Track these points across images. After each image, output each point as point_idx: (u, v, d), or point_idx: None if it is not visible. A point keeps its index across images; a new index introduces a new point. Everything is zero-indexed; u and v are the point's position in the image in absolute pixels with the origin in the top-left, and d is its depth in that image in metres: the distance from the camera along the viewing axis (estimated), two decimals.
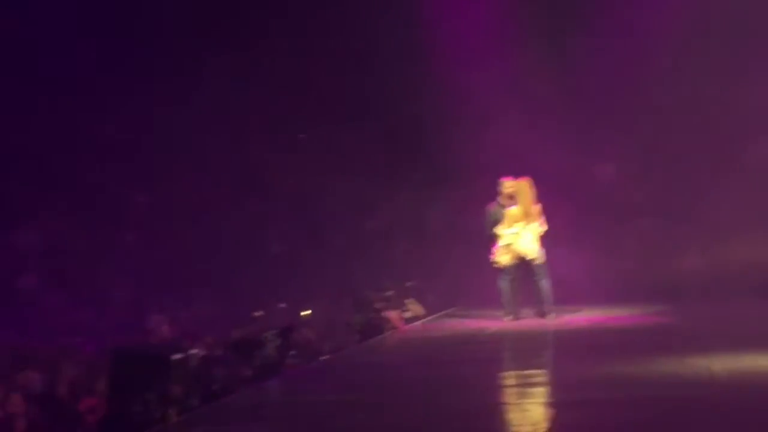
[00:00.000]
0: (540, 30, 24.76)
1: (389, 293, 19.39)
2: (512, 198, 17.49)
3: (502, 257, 17.63)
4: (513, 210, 17.47)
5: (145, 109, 24.49)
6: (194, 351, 12.92)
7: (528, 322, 17.56)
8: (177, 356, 12.04)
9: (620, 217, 23.11)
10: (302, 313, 18.95)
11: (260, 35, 25.64)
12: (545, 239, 17.70)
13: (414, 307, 19.64)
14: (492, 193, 18.43)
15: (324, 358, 15.79)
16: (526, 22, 24.47)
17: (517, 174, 17.81)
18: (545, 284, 17.55)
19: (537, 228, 17.44)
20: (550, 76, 24.68)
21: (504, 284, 17.81)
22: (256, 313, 18.86)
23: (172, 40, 24.80)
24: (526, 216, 17.40)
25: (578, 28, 24.68)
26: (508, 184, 17.61)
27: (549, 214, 17.79)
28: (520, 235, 17.45)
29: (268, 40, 25.77)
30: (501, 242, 17.60)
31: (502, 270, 17.73)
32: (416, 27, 25.31)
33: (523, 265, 17.66)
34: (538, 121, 23.95)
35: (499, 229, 17.55)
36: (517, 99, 24.92)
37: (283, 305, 21.00)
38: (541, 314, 17.66)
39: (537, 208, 17.49)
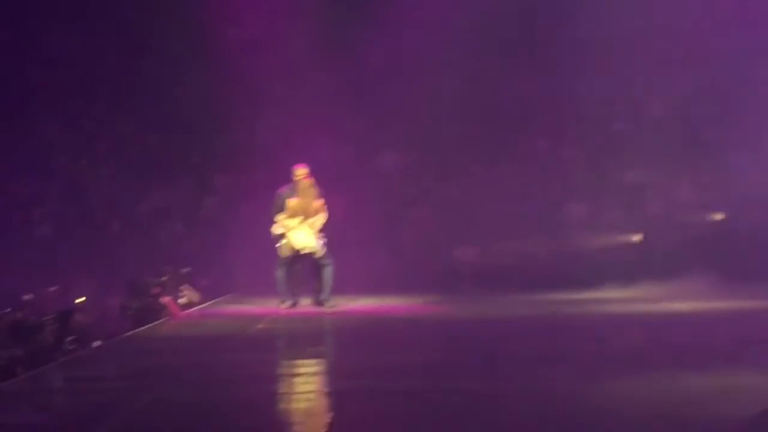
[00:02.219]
0: (320, 18, 24.82)
1: (164, 278, 19.07)
2: (296, 195, 17.47)
3: (280, 246, 17.60)
4: (293, 202, 17.45)
5: None
6: None
7: (305, 310, 17.56)
8: None
9: (398, 207, 23.32)
10: (77, 299, 18.43)
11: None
12: (326, 229, 17.70)
13: (189, 294, 19.40)
14: (271, 180, 18.39)
15: (99, 343, 15.40)
16: (306, 9, 24.48)
17: (298, 161, 17.78)
18: (327, 272, 17.56)
19: (316, 222, 17.45)
20: (328, 64, 24.77)
21: (279, 272, 17.79)
22: (26, 297, 18.24)
23: None
24: (306, 211, 17.41)
25: (357, 17, 24.83)
26: (300, 172, 17.56)
27: (327, 203, 17.80)
28: (296, 228, 17.44)
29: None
30: (278, 231, 17.55)
31: (278, 258, 17.69)
32: (196, 10, 25.05)
33: (301, 256, 17.65)
34: (317, 110, 23.94)
35: (279, 218, 17.49)
36: (295, 87, 24.94)
37: (53, 288, 20.43)
38: (319, 303, 17.69)
39: (319, 203, 17.50)
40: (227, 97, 24.60)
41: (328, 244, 17.64)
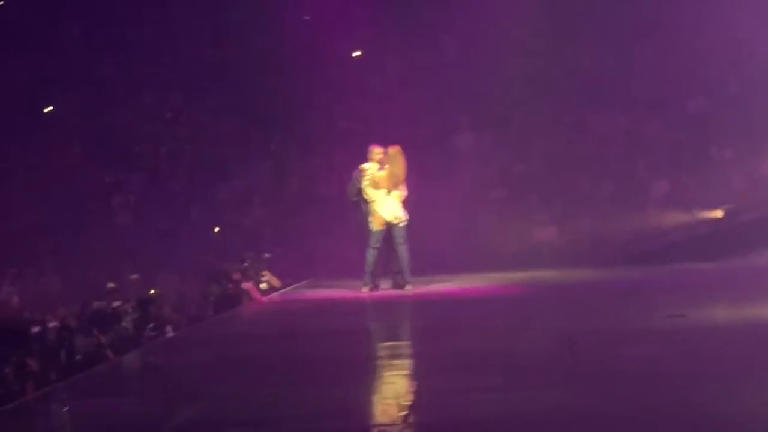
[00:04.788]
0: (395, 3, 24.87)
1: (245, 264, 19.17)
2: (381, 164, 17.39)
3: (372, 223, 17.45)
4: (379, 174, 17.34)
5: None
6: (52, 324, 12.59)
7: (386, 293, 17.51)
8: (35, 329, 11.71)
9: (475, 188, 23.23)
10: (156, 287, 18.61)
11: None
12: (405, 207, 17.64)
13: (270, 279, 19.47)
14: (350, 162, 18.39)
15: (181, 330, 15.54)
16: None
17: (380, 143, 17.75)
18: (403, 251, 17.44)
19: (400, 194, 17.35)
20: (404, 47, 24.80)
21: (370, 253, 17.57)
22: (110, 284, 18.44)
23: None
24: (393, 182, 17.30)
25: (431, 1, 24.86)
26: (376, 151, 17.51)
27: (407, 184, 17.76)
28: (383, 200, 17.33)
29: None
30: (369, 208, 17.44)
31: (370, 237, 17.53)
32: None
33: (387, 232, 17.49)
34: (393, 93, 23.95)
35: (367, 195, 17.38)
36: (372, 71, 24.98)
37: (135, 276, 20.66)
38: (399, 285, 17.60)
39: (404, 174, 17.39)
40: (304, 83, 24.69)
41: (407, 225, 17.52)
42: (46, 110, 25.42)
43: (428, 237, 19.92)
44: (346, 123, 24.31)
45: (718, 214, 22.04)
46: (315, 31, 24.42)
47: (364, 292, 17.56)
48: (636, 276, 18.67)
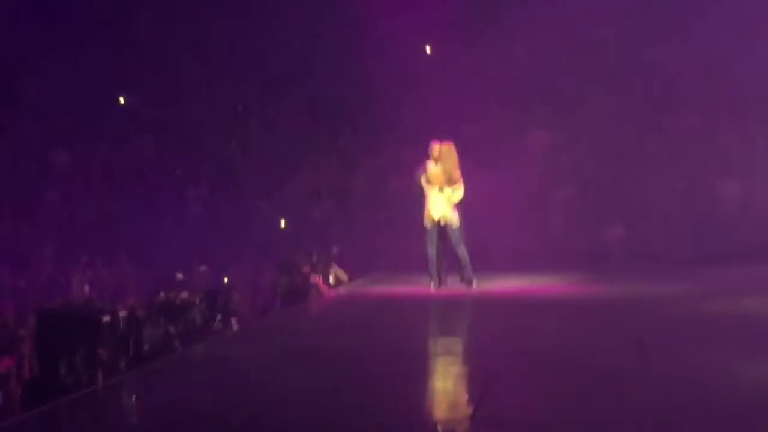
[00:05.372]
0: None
1: (314, 258, 19.25)
2: (436, 161, 17.40)
3: (425, 219, 17.49)
4: (433, 171, 17.36)
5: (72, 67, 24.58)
6: (123, 313, 12.72)
7: (452, 290, 17.48)
8: (106, 318, 11.83)
9: (545, 186, 23.17)
10: (227, 278, 18.75)
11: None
12: (466, 205, 17.58)
13: (338, 273, 19.55)
14: (418, 157, 18.40)
15: (250, 322, 15.64)
16: None
17: (443, 139, 17.73)
18: (462, 250, 17.41)
19: (454, 193, 17.30)
20: (474, 44, 24.75)
21: (429, 250, 17.62)
22: (179, 275, 18.61)
23: None
24: (446, 179, 17.27)
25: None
26: (435, 147, 17.51)
27: (472, 180, 17.71)
28: (434, 197, 17.33)
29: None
30: (425, 204, 17.46)
31: (426, 233, 17.57)
32: None
33: (443, 231, 17.50)
34: (463, 89, 23.93)
35: (424, 191, 17.41)
36: (441, 67, 24.98)
37: (204, 268, 20.84)
38: (465, 281, 17.57)
39: (458, 173, 17.33)
40: (374, 78, 24.73)
41: (464, 223, 17.46)
42: (121, 100, 25.72)
43: (497, 233, 19.91)
44: (415, 118, 24.31)
45: None
46: (385, 25, 24.44)
47: (431, 288, 17.58)
48: (709, 277, 18.45)
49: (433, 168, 17.29)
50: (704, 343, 11.32)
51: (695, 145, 23.52)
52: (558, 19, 23.89)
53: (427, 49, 25.37)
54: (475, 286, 17.35)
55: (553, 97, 24.21)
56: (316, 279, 18.23)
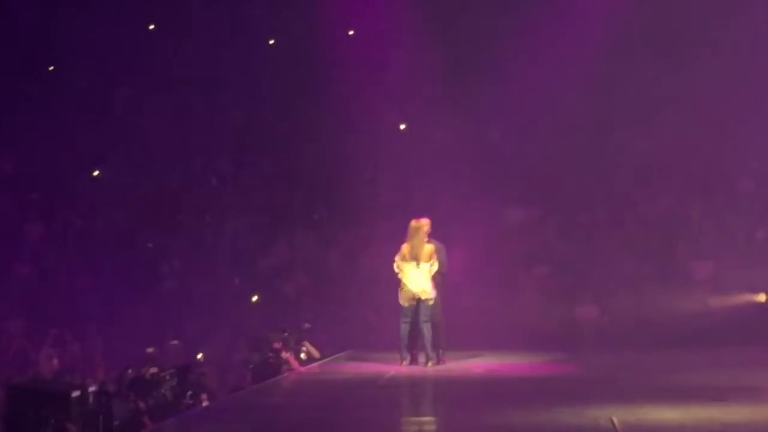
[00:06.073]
0: (440, 76, 24.96)
1: (286, 334, 19.14)
2: (411, 237, 17.46)
3: (400, 297, 17.53)
4: (405, 249, 17.43)
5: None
6: (92, 388, 12.61)
7: (424, 368, 17.41)
8: (75, 393, 11.72)
9: (518, 263, 23.18)
10: (197, 354, 18.62)
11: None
12: (442, 282, 17.58)
13: (310, 349, 19.44)
14: (392, 234, 18.43)
15: (221, 398, 15.51)
16: (426, 66, 24.69)
17: (420, 215, 17.79)
18: (427, 327, 17.37)
19: (429, 268, 17.33)
20: (449, 120, 24.88)
21: (403, 327, 17.61)
22: (149, 350, 18.47)
23: None
24: (418, 255, 17.33)
25: (479, 75, 24.93)
26: (413, 224, 17.57)
27: (449, 257, 17.75)
28: (411, 274, 17.37)
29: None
30: (401, 282, 17.49)
31: (402, 310, 17.57)
32: (317, 66, 25.43)
33: (419, 308, 17.49)
34: (438, 165, 24.00)
35: (398, 267, 17.45)
36: (416, 143, 25.09)
37: (175, 342, 20.71)
38: (426, 359, 17.50)
39: (430, 248, 17.38)
40: (349, 153, 24.82)
41: (440, 300, 17.47)
42: (94, 174, 25.70)
43: (470, 311, 19.90)
44: (390, 195, 24.35)
45: (762, 298, 21.86)
46: (361, 102, 24.56)
47: (402, 365, 17.54)
48: (679, 358, 18.43)
49: (405, 246, 17.38)
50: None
51: (667, 225, 23.61)
52: (532, 99, 24.03)
53: (401, 126, 25.50)
54: (431, 366, 17.30)
55: (527, 176, 24.32)
56: (287, 355, 18.13)
